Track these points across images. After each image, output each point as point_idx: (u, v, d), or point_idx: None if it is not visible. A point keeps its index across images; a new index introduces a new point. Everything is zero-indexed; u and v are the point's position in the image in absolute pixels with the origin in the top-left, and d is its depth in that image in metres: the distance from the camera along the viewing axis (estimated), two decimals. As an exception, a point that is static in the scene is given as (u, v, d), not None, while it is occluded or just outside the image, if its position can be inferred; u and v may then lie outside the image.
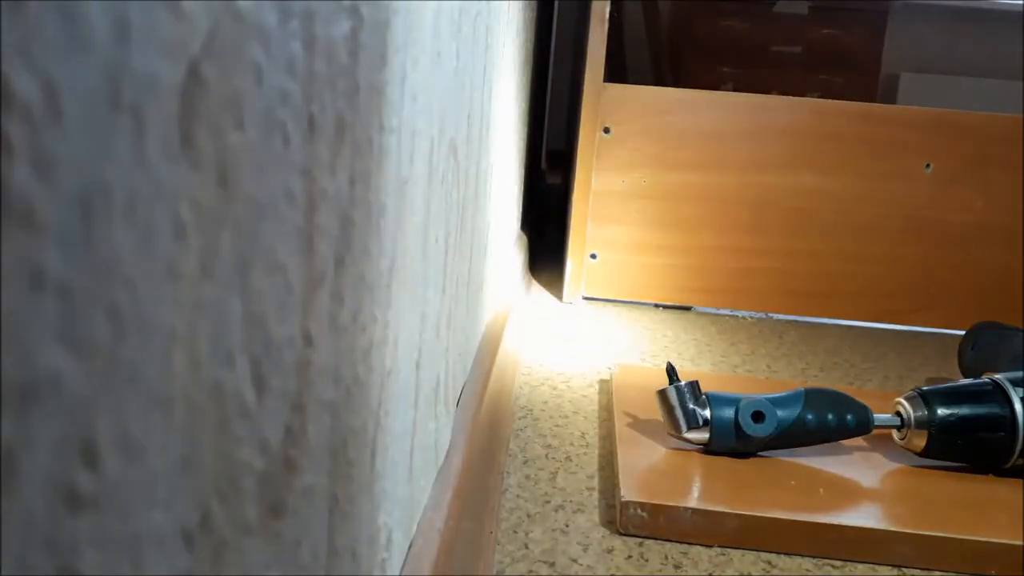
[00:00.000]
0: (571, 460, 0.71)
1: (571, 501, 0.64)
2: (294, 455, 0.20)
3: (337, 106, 0.22)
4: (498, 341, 0.70)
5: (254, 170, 0.17)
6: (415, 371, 0.35)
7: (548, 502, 0.63)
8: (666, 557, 0.57)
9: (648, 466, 0.66)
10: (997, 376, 0.70)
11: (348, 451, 0.25)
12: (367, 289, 0.26)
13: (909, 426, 0.69)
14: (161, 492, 0.14)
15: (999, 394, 0.68)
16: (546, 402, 0.84)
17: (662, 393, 0.69)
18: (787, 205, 1.22)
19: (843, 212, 1.22)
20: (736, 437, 0.67)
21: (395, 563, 0.33)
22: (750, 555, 0.58)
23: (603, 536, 0.59)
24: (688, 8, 2.21)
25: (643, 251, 1.24)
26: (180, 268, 0.14)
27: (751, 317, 1.26)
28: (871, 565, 0.58)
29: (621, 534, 0.59)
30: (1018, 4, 2.31)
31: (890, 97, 2.33)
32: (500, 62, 0.68)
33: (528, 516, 0.61)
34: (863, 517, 0.60)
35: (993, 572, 0.58)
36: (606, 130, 1.21)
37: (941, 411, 0.68)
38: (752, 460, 0.68)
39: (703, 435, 0.67)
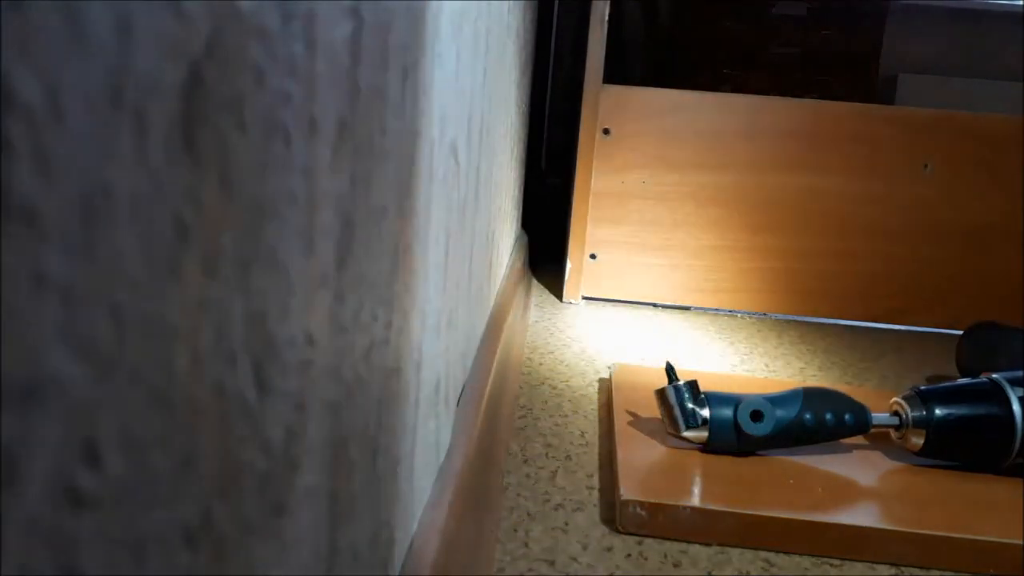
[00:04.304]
0: (571, 459, 0.71)
1: (571, 500, 0.64)
2: (296, 454, 0.21)
3: (338, 107, 0.22)
4: (498, 341, 0.70)
5: (256, 171, 0.17)
6: (416, 371, 0.36)
7: (548, 501, 0.63)
8: (665, 555, 0.57)
9: (647, 465, 0.66)
10: (995, 376, 0.70)
11: (349, 450, 0.25)
12: (368, 289, 0.26)
13: (907, 425, 0.69)
14: (163, 491, 0.14)
15: (997, 394, 0.68)
16: (546, 402, 0.84)
17: (661, 392, 0.69)
18: (786, 205, 1.23)
19: (841, 212, 1.22)
20: (735, 436, 0.67)
21: (396, 562, 0.33)
22: (749, 554, 0.58)
23: (603, 534, 0.59)
24: (688, 9, 2.21)
25: (643, 251, 1.24)
26: (182, 269, 0.14)
27: (750, 317, 1.26)
28: (869, 564, 0.58)
29: (620, 533, 0.59)
30: (1018, 4, 2.31)
31: (888, 98, 2.33)
32: (500, 63, 0.68)
33: (528, 515, 0.61)
34: (861, 516, 0.60)
35: (991, 571, 0.58)
36: (606, 131, 1.21)
37: (939, 410, 0.68)
38: (751, 459, 0.68)
39: (702, 434, 0.67)
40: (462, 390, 0.54)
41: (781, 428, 0.67)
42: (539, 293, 1.29)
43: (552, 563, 0.55)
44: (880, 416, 0.70)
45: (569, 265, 1.24)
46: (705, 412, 0.67)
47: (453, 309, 0.47)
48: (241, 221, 0.16)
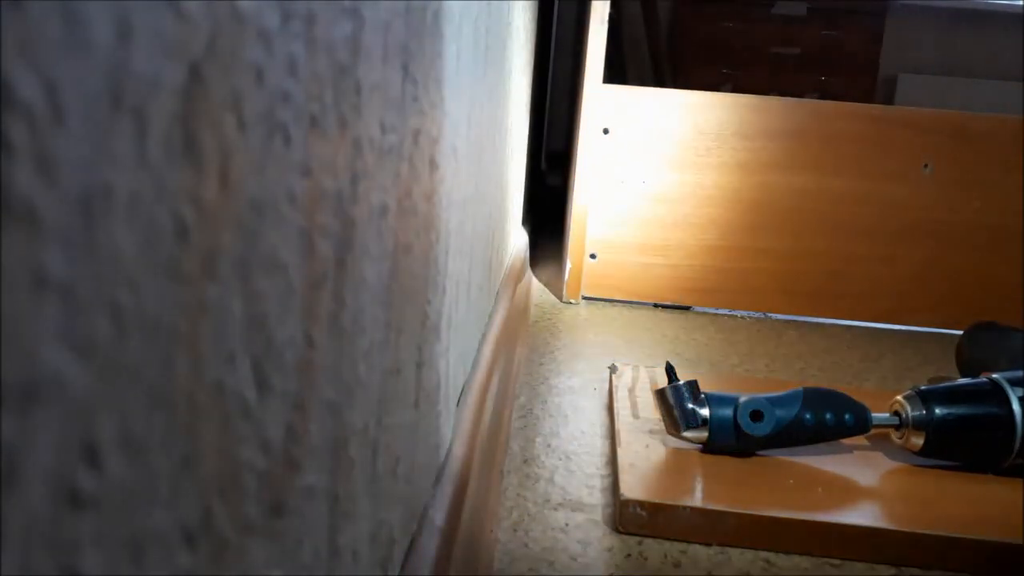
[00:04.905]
0: (571, 459, 0.71)
1: (571, 500, 0.64)
2: (295, 454, 0.21)
3: (338, 106, 0.22)
4: (498, 340, 0.70)
5: (255, 170, 0.17)
6: (416, 371, 0.36)
7: (548, 501, 0.63)
8: (665, 556, 0.57)
9: (647, 465, 0.66)
10: (995, 375, 0.70)
11: (349, 450, 0.25)
12: (368, 289, 0.26)
13: (907, 425, 0.69)
14: (163, 491, 0.14)
15: (997, 394, 0.68)
16: (546, 402, 0.84)
17: (661, 393, 0.69)
18: (786, 205, 1.23)
19: (842, 212, 1.22)
20: (735, 436, 0.67)
21: (395, 562, 0.33)
22: (749, 554, 0.58)
23: (603, 535, 0.59)
24: (687, 9, 2.21)
25: (643, 251, 1.24)
26: (182, 268, 0.14)
27: (750, 317, 1.26)
28: (869, 564, 0.58)
29: (620, 533, 0.59)
30: (1017, 4, 2.31)
31: (888, 98, 2.33)
32: (500, 62, 0.68)
33: (528, 515, 0.61)
34: (861, 516, 0.60)
35: (992, 572, 0.58)
36: (606, 131, 1.21)
37: (939, 410, 0.68)
38: (751, 459, 0.68)
39: (702, 434, 0.67)
40: (462, 390, 0.54)
41: (781, 428, 0.67)
42: (539, 293, 1.29)
43: (552, 563, 0.55)
44: (880, 416, 0.70)
45: (569, 265, 1.24)
46: (705, 412, 0.67)
47: (453, 309, 0.47)
48: (241, 221, 0.16)
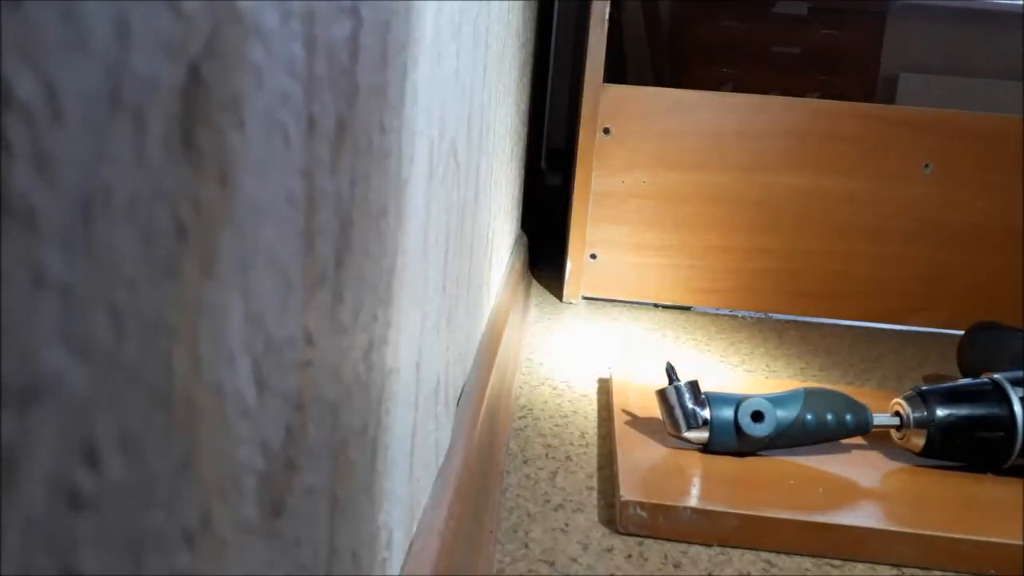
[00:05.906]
0: (571, 460, 0.71)
1: (571, 500, 0.64)
2: (294, 455, 0.21)
3: (338, 107, 0.22)
4: (498, 341, 0.70)
5: (254, 171, 0.17)
6: (415, 371, 0.36)
7: (548, 501, 0.63)
8: (666, 556, 0.57)
9: (648, 466, 0.66)
10: (996, 376, 0.70)
11: (348, 451, 0.25)
12: (367, 289, 0.26)
13: (908, 426, 0.69)
14: (162, 492, 0.14)
15: (998, 394, 0.68)
16: (546, 402, 0.84)
17: (662, 393, 0.69)
18: (786, 205, 1.22)
19: (842, 212, 1.22)
20: (736, 437, 0.67)
21: (395, 563, 0.33)
22: (749, 554, 0.58)
23: (603, 535, 0.59)
24: (688, 9, 2.21)
25: (643, 251, 1.24)
26: (181, 268, 0.14)
27: (751, 317, 1.26)
28: (870, 564, 0.58)
29: (621, 533, 0.59)
30: (1018, 4, 2.31)
31: (889, 97, 2.33)
32: (500, 62, 0.68)
33: (528, 515, 0.61)
34: (862, 516, 0.60)
35: (992, 572, 0.58)
36: (606, 130, 1.21)
37: (940, 411, 0.68)
38: (751, 459, 0.68)
39: (703, 435, 0.67)
40: (462, 390, 0.54)
41: (782, 429, 0.67)
42: (539, 293, 1.29)
43: (552, 564, 0.55)
44: (881, 416, 0.70)
45: (569, 265, 1.24)
46: (706, 413, 0.67)
47: (453, 309, 0.47)
48: (240, 221, 0.16)
